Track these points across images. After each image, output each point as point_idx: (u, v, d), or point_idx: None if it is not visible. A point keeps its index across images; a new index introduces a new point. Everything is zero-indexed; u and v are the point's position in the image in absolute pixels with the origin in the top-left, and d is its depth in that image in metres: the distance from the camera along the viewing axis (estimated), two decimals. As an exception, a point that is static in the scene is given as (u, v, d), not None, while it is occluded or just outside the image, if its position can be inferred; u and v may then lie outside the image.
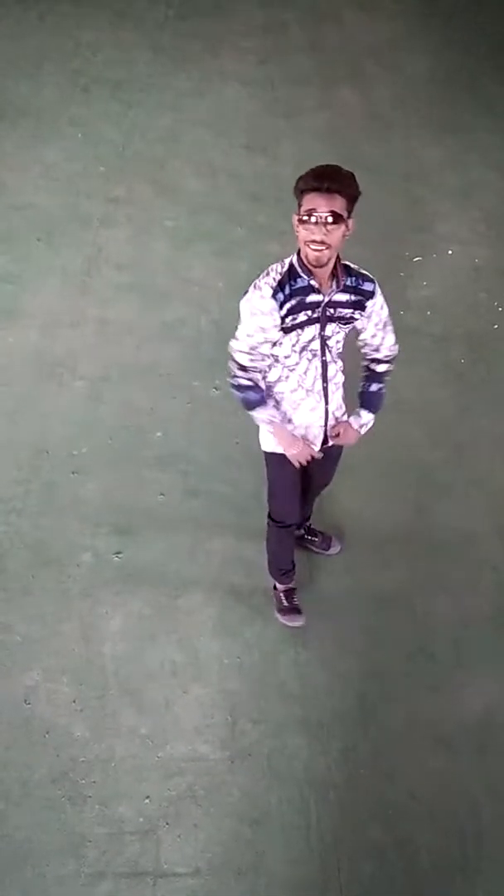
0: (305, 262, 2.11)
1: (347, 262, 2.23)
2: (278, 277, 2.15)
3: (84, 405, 3.70)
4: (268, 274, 2.17)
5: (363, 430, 2.57)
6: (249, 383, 2.31)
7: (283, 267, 2.17)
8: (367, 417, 2.55)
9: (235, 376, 2.31)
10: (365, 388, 2.53)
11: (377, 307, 2.31)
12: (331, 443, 2.57)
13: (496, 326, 4.09)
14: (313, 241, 2.03)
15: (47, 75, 5.99)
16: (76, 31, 6.51)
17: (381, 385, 2.54)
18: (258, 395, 2.34)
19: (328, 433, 2.52)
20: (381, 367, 2.49)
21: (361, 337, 2.41)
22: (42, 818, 2.48)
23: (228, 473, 3.39)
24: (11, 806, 2.51)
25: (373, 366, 2.49)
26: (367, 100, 5.79)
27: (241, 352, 2.25)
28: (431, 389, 3.78)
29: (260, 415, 2.37)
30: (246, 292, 2.20)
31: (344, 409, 2.57)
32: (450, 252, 4.53)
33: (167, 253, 4.46)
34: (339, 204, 1.99)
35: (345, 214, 2.01)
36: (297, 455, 2.45)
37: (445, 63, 6.19)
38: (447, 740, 2.66)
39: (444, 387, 3.80)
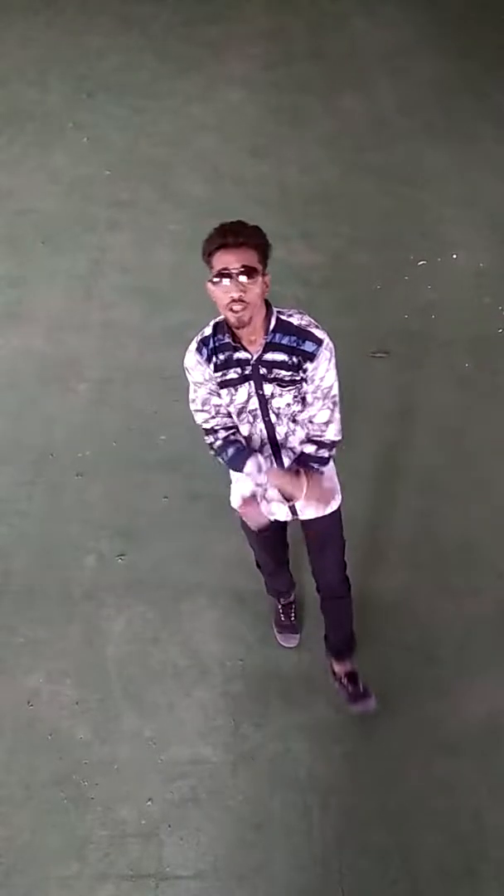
0: (228, 324, 1.99)
1: (292, 318, 2.03)
2: (205, 332, 2.07)
3: (88, 408, 3.71)
4: (199, 331, 2.10)
5: (306, 479, 2.15)
6: (222, 442, 2.18)
7: (213, 324, 2.07)
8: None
9: (209, 444, 2.20)
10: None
11: (318, 372, 2.02)
12: (300, 515, 2.35)
13: (501, 331, 4.09)
14: (231, 301, 1.87)
15: (53, 81, 6.03)
16: (82, 37, 6.56)
17: (308, 466, 2.18)
18: (237, 448, 2.16)
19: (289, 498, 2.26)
20: (307, 447, 2.18)
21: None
22: (45, 820, 2.49)
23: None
24: (14, 808, 2.51)
25: (304, 445, 2.19)
26: (372, 106, 5.81)
27: (196, 412, 2.18)
28: (436, 393, 3.78)
29: (249, 469, 2.14)
30: None
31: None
32: (454, 256, 4.54)
33: (171, 257, 4.48)
34: (250, 257, 1.85)
35: (259, 268, 1.88)
36: (247, 516, 2.25)
37: (451, 70, 6.21)
38: (450, 745, 2.65)
39: (449, 391, 3.80)
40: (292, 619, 2.92)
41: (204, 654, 2.87)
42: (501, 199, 4.97)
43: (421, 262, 4.51)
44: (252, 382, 2.06)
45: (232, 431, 2.20)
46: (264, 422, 2.13)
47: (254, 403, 2.09)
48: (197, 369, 2.09)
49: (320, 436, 2.16)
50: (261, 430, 2.15)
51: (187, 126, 5.58)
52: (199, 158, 5.28)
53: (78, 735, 2.67)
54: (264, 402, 2.09)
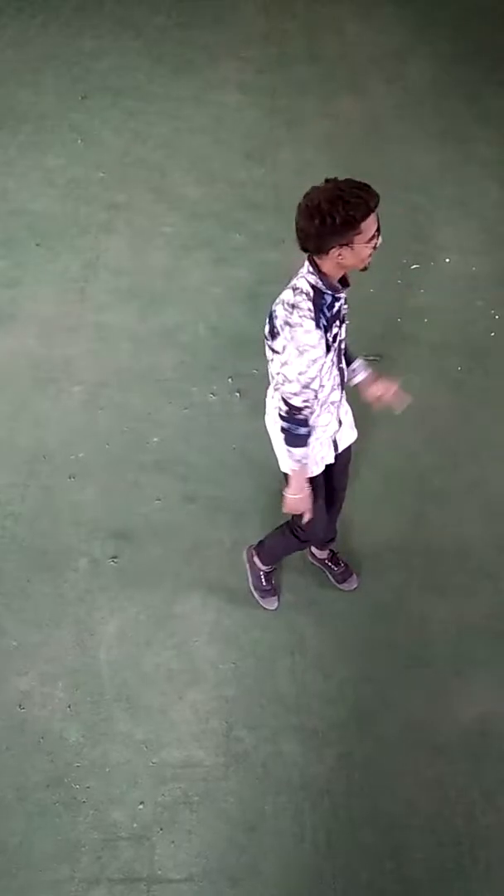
0: (358, 270, 2.14)
1: None
2: (311, 306, 2.08)
3: (81, 410, 3.71)
4: (294, 308, 2.10)
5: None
6: (304, 418, 2.24)
7: (307, 295, 2.09)
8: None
9: (292, 416, 2.22)
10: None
11: None
12: (340, 449, 2.55)
13: (493, 334, 4.10)
14: (374, 251, 2.12)
15: (48, 82, 6.02)
16: (77, 39, 6.55)
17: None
18: (307, 433, 2.28)
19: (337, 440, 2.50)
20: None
21: None
22: (36, 824, 2.48)
23: (225, 478, 3.39)
24: (5, 811, 2.50)
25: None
26: (367, 110, 5.82)
27: (294, 395, 2.16)
28: (429, 397, 3.78)
29: (298, 452, 2.29)
30: (274, 336, 2.19)
31: (350, 413, 2.56)
32: (447, 260, 4.55)
33: (166, 259, 4.47)
34: None
35: None
36: (294, 504, 2.40)
37: (445, 75, 6.22)
38: (443, 747, 2.66)
39: (442, 394, 3.81)
40: (273, 583, 3.01)
41: (197, 657, 2.87)
42: (494, 203, 4.99)
43: (414, 266, 4.52)
44: (341, 324, 2.20)
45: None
46: (339, 369, 2.27)
47: (336, 349, 2.21)
48: (320, 345, 2.10)
49: None
50: (335, 377, 2.26)
51: (182, 128, 5.58)
52: (194, 161, 5.28)
53: (69, 738, 2.66)
54: (340, 347, 2.24)
